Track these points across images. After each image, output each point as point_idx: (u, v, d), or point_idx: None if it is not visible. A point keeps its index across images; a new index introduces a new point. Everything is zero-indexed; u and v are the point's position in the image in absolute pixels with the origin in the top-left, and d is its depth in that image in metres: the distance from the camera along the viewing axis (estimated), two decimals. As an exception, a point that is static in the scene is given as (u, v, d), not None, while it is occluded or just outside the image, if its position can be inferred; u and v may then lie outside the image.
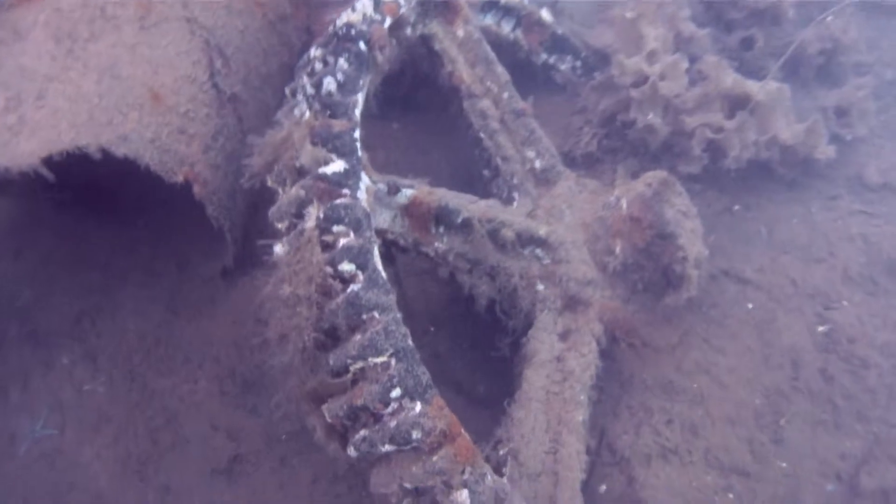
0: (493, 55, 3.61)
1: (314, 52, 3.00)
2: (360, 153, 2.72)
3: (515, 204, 3.50)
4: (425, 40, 3.58)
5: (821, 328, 3.43)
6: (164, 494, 3.56)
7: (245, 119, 3.64)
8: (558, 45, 4.17)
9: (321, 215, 2.54)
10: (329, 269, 2.49)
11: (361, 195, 2.66)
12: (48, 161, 3.03)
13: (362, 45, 2.96)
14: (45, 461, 3.76)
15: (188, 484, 3.56)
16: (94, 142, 3.03)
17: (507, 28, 4.03)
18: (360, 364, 2.46)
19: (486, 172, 3.67)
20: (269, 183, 2.82)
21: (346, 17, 3.04)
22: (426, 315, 3.78)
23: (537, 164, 3.57)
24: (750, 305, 3.58)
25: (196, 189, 3.28)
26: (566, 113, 4.19)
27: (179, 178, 3.22)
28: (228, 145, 3.49)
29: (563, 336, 3.24)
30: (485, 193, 3.66)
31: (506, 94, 3.59)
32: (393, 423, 2.42)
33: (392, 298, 2.52)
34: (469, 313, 3.43)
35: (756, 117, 3.66)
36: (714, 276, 3.66)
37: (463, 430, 2.49)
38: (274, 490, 3.47)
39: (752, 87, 3.61)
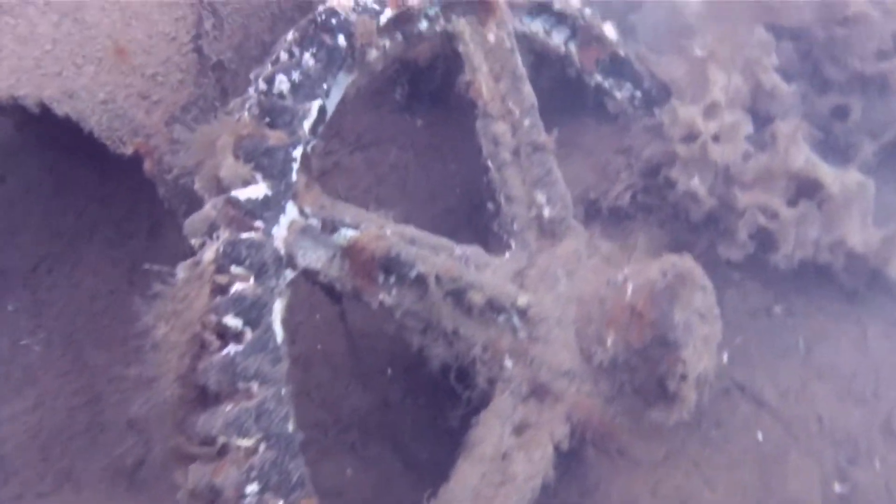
0: (523, 71, 3.02)
1: (290, 34, 2.51)
2: (293, 177, 2.25)
3: (507, 255, 2.95)
4: (448, 38, 3.02)
5: (838, 487, 2.82)
6: (62, 480, 3.28)
7: (233, 92, 3.20)
8: (618, 68, 3.52)
9: (221, 249, 2.10)
10: (213, 318, 2.05)
11: (279, 231, 2.20)
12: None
13: (341, 40, 2.45)
14: (-39, 411, 3.53)
15: (89, 477, 3.27)
16: (33, 94, 2.67)
17: (558, 39, 3.40)
18: (224, 440, 2.05)
19: (490, 206, 3.13)
20: (196, 186, 2.38)
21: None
22: (387, 354, 3.30)
23: (546, 211, 2.99)
24: (760, 436, 2.97)
25: (147, 165, 2.89)
26: (610, 148, 3.56)
27: (128, 151, 2.83)
28: (202, 119, 3.06)
29: (519, 429, 2.71)
30: (486, 228, 3.15)
31: (527, 121, 3.01)
32: (249, 519, 2.01)
33: (281, 368, 2.10)
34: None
35: (824, 212, 2.99)
36: (727, 389, 3.05)
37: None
38: (170, 507, 3.14)
39: (828, 175, 2.94)
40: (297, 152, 2.29)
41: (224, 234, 2.16)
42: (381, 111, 3.87)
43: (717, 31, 3.34)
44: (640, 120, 3.51)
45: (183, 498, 2.22)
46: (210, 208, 2.21)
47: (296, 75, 2.35)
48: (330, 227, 2.37)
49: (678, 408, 2.67)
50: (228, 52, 3.12)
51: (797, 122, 3.12)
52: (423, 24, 2.89)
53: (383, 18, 2.60)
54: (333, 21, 2.47)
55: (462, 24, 2.99)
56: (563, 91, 3.60)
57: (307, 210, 2.33)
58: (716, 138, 3.02)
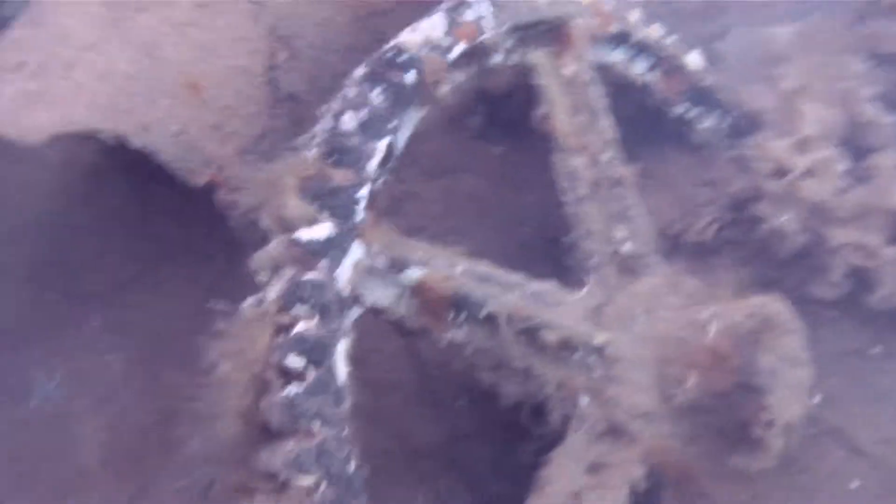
0: (602, 104, 2.95)
1: (358, 71, 2.51)
2: (358, 216, 2.23)
3: (584, 291, 2.85)
4: (524, 70, 2.98)
5: (939, 548, 2.60)
6: (137, 496, 3.34)
7: (305, 124, 3.23)
8: (702, 97, 3.40)
9: (284, 289, 2.10)
10: (275, 358, 2.05)
11: (343, 272, 2.18)
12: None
13: (410, 77, 2.43)
14: (46, 424, 3.63)
15: (162, 495, 3.31)
16: (110, 127, 2.76)
17: (639, 68, 3.30)
18: (285, 477, 2.04)
19: (566, 240, 3.04)
20: (263, 223, 2.39)
21: (404, 36, 2.51)
22: (460, 385, 3.24)
23: (625, 247, 2.90)
24: (854, 485, 2.78)
25: (219, 196, 2.93)
26: (693, 181, 3.43)
27: (201, 182, 2.89)
28: (275, 151, 3.09)
29: (593, 469, 2.61)
30: (563, 263, 3.07)
31: (606, 156, 2.93)
32: (308, 555, 2.00)
33: (343, 409, 2.08)
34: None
35: (926, 251, 2.80)
36: (818, 433, 2.88)
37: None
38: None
39: (930, 212, 2.75)
40: (363, 192, 2.28)
41: (288, 274, 2.16)
42: (458, 139, 3.83)
43: (810, 61, 3.19)
44: (725, 152, 3.37)
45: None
46: (275, 247, 2.22)
47: (363, 113, 2.34)
48: (397, 266, 2.33)
49: (762, 455, 2.53)
50: (302, 85, 3.16)
51: (898, 156, 2.95)
52: (498, 57, 2.85)
53: (454, 54, 2.58)
54: (402, 58, 2.46)
55: (538, 57, 2.94)
56: (645, 121, 3.50)
57: (373, 249, 2.30)
58: (807, 174, 2.86)
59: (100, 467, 3.45)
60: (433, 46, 2.49)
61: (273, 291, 2.12)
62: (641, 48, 3.24)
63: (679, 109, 3.44)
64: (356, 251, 2.22)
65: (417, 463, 3.10)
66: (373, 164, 2.29)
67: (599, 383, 2.64)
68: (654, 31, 3.22)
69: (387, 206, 3.69)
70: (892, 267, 2.82)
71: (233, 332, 2.14)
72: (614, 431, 2.63)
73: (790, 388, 2.55)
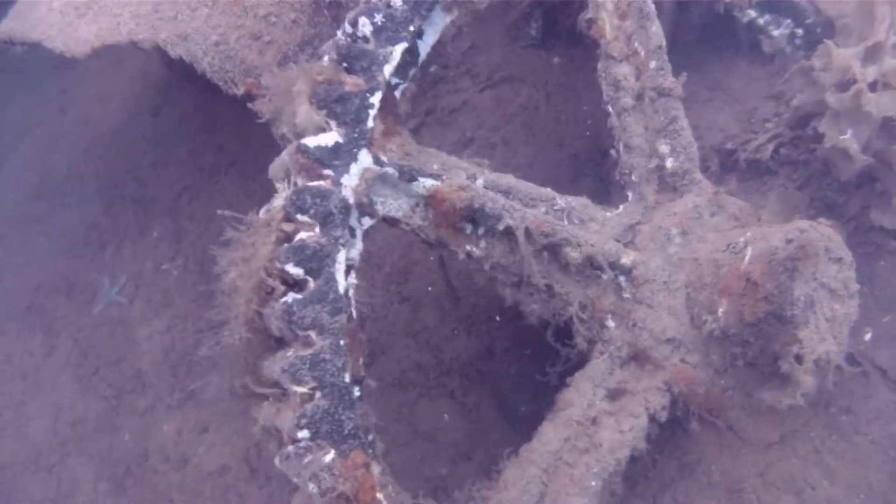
0: (651, 8, 2.74)
1: (386, -27, 2.40)
2: (369, 123, 2.16)
3: (621, 208, 2.73)
4: (573, -27, 2.80)
5: None
6: (187, 397, 3.51)
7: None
8: (775, 3, 3.13)
9: (288, 197, 2.09)
10: (276, 266, 2.05)
11: (350, 180, 2.14)
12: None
13: (433, -21, 2.32)
14: (109, 327, 3.85)
15: (210, 396, 3.46)
16: (150, 38, 2.79)
17: (704, -30, 3.06)
18: (284, 384, 2.07)
19: (612, 153, 2.89)
20: (282, 131, 2.37)
21: (431, -63, 2.37)
22: (495, 303, 3.19)
23: (668, 162, 2.74)
24: (898, 428, 2.61)
25: (259, 105, 2.92)
26: (760, 94, 3.20)
27: (239, 91, 2.88)
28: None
29: (614, 395, 2.55)
30: (610, 177, 2.94)
31: (653, 64, 2.74)
32: (304, 461, 2.04)
33: (339, 319, 2.06)
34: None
35: None
36: (865, 372, 2.70)
37: (378, 497, 2.02)
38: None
39: None
40: (375, 98, 2.20)
41: (296, 182, 2.14)
42: (515, 47, 3.69)
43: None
44: (798, 62, 3.10)
45: (257, 432, 2.29)
46: (285, 155, 2.19)
47: (379, 17, 2.24)
48: (409, 175, 2.27)
49: (791, 391, 2.39)
50: (345, -9, 3.06)
51: None
52: (538, -39, 2.68)
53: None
54: (426, -40, 2.33)
55: (585, -43, 2.75)
56: (714, 30, 3.26)
57: (384, 158, 2.24)
58: (875, 86, 2.59)
59: (154, 370, 3.64)
60: (459, -51, 2.36)
61: (278, 199, 2.10)
62: (705, -52, 2.99)
63: (749, 16, 3.18)
64: (364, 159, 2.17)
65: (448, 377, 3.11)
66: (387, 71, 2.21)
67: (627, 305, 2.54)
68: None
69: (439, 117, 3.64)
70: (964, 195, 2.55)
71: (240, 240, 2.14)
72: (639, 357, 2.55)
73: (828, 322, 2.38)
